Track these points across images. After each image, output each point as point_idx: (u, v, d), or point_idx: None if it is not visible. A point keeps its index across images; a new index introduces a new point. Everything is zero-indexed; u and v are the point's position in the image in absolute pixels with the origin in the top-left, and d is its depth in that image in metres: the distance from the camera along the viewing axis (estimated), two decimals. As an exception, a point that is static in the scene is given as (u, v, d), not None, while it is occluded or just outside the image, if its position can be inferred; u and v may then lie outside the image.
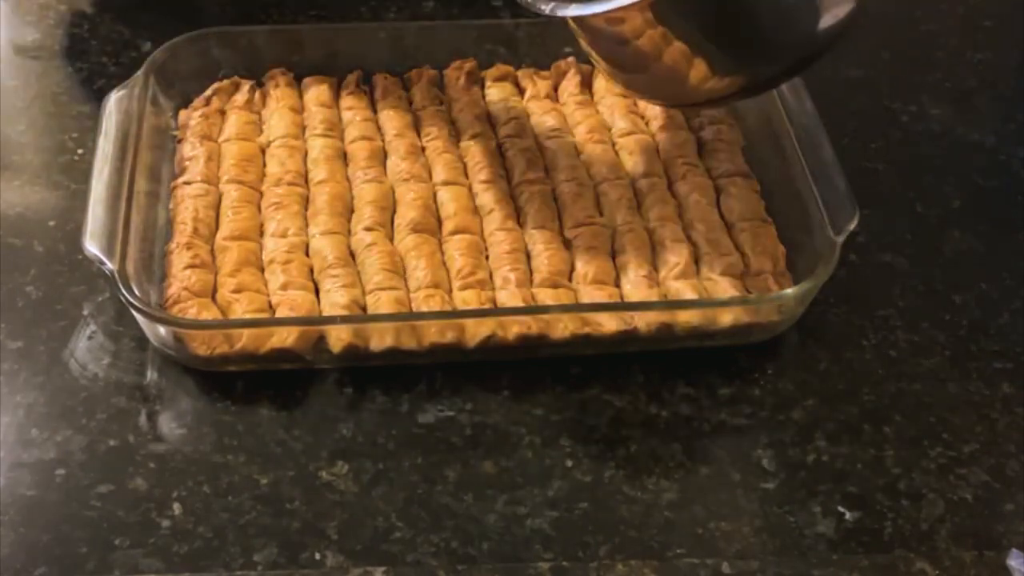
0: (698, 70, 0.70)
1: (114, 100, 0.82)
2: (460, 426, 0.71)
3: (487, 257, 0.78)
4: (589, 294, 0.76)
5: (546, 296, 0.75)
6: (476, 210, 0.81)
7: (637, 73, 0.74)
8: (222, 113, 0.87)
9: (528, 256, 0.78)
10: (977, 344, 0.77)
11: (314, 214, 0.80)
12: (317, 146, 0.85)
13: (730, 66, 0.71)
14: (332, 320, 0.73)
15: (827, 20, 0.69)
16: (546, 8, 0.70)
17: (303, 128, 0.87)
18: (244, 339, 0.71)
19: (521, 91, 0.91)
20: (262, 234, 0.79)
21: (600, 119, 0.88)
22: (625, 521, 0.67)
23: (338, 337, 0.72)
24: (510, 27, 0.94)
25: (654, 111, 0.89)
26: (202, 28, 0.89)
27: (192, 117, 0.86)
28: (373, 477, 0.68)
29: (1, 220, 0.82)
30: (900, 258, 0.82)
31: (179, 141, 0.85)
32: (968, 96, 0.96)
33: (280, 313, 0.73)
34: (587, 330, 0.73)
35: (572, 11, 0.69)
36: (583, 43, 0.75)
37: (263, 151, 0.85)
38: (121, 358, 0.73)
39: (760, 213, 0.81)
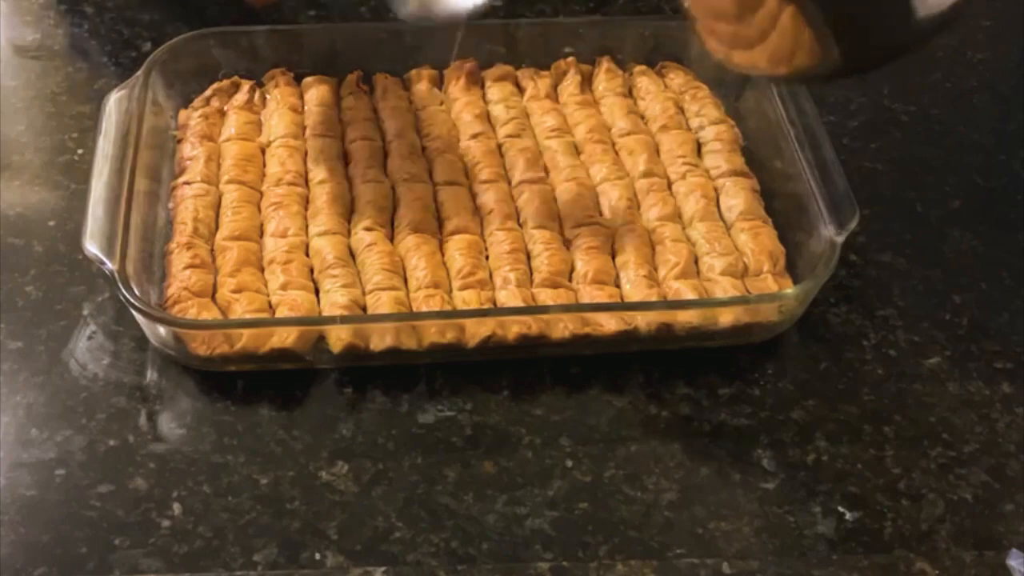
0: (803, 40, 0.69)
1: (114, 100, 0.82)
2: (460, 426, 0.71)
3: (487, 257, 0.78)
4: (589, 294, 0.76)
5: (546, 296, 0.75)
6: (476, 210, 0.81)
7: (750, 47, 0.73)
8: (222, 113, 0.87)
9: (528, 256, 0.78)
10: (977, 344, 0.77)
11: (314, 214, 0.80)
12: (317, 146, 0.85)
13: (838, 37, 0.70)
14: (332, 320, 0.73)
15: (935, 6, 0.68)
16: None
17: (303, 128, 0.87)
18: (244, 339, 0.71)
19: (521, 91, 0.91)
20: (262, 234, 0.79)
21: (600, 119, 0.88)
22: (625, 521, 0.67)
23: (338, 337, 0.72)
24: (510, 27, 0.94)
25: (654, 111, 0.89)
26: (202, 28, 0.89)
27: (192, 117, 0.86)
28: (373, 477, 0.68)
29: (1, 220, 0.82)
30: (900, 258, 0.82)
31: (179, 141, 0.85)
32: (968, 96, 0.96)
33: (280, 313, 0.73)
34: (587, 330, 0.73)
35: None
36: (699, 14, 0.74)
37: (263, 151, 0.85)
38: (121, 358, 0.73)
39: (760, 213, 0.81)
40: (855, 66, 0.73)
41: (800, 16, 0.67)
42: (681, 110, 0.89)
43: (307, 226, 0.79)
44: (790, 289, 0.75)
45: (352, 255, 0.78)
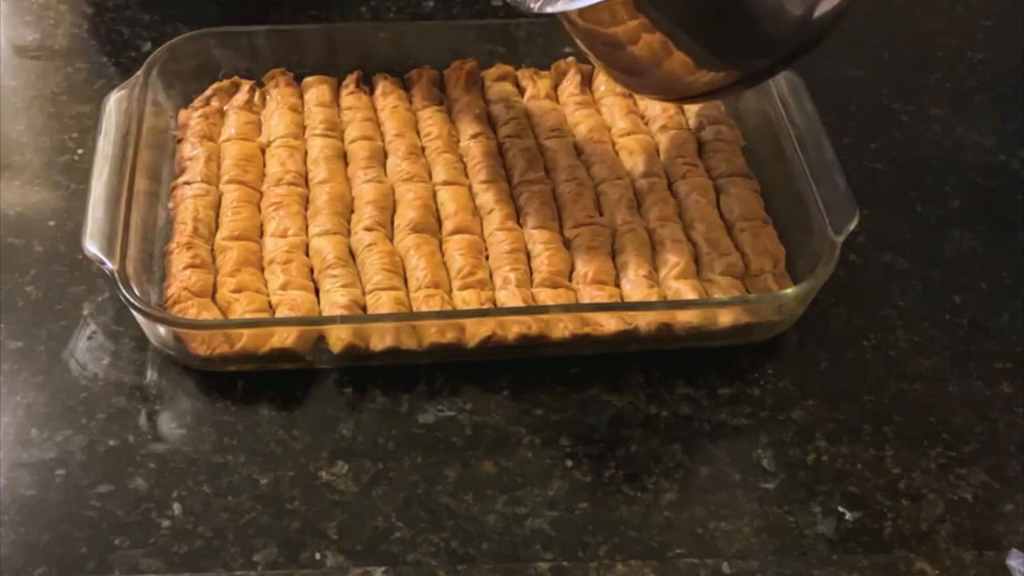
0: (686, 63, 0.70)
1: (114, 100, 0.82)
2: (460, 426, 0.71)
3: (487, 257, 0.78)
4: (589, 294, 0.76)
5: (546, 296, 0.75)
6: (476, 210, 0.81)
7: (630, 69, 0.74)
8: (222, 113, 0.87)
9: (528, 256, 0.78)
10: (977, 344, 0.77)
11: (314, 214, 0.80)
12: (317, 146, 0.85)
13: (721, 58, 0.71)
14: (332, 320, 0.73)
15: (822, 8, 0.68)
16: (534, 6, 0.70)
17: (303, 128, 0.87)
18: (244, 339, 0.71)
19: (521, 91, 0.91)
20: (262, 234, 0.79)
21: (600, 119, 0.88)
22: (625, 521, 0.67)
23: (338, 337, 0.72)
24: (510, 27, 0.94)
25: (654, 111, 0.89)
26: (202, 28, 0.89)
27: (192, 117, 0.86)
28: (373, 477, 0.68)
29: (1, 220, 0.82)
30: (900, 258, 0.82)
31: (179, 141, 0.85)
32: (968, 96, 0.96)
33: (280, 313, 0.73)
34: (587, 330, 0.73)
35: (554, 7, 0.69)
36: (578, 42, 0.75)
37: (263, 151, 0.85)
38: (121, 358, 0.73)
39: (760, 213, 0.81)
40: (749, 79, 0.74)
41: (671, 43, 0.67)
42: (681, 110, 0.89)
43: (307, 226, 0.79)
44: (790, 289, 0.75)
45: (352, 255, 0.78)
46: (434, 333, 0.72)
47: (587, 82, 0.92)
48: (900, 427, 0.72)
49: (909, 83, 0.97)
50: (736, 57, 0.71)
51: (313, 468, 0.68)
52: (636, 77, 0.75)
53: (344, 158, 0.85)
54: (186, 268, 0.75)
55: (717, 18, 0.68)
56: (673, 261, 0.77)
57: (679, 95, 0.78)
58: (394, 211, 0.81)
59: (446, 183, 0.82)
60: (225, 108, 0.87)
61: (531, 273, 0.77)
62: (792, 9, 0.68)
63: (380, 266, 0.76)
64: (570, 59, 0.92)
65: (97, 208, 0.74)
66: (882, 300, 0.79)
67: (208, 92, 0.88)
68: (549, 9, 0.70)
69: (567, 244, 0.79)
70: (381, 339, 0.72)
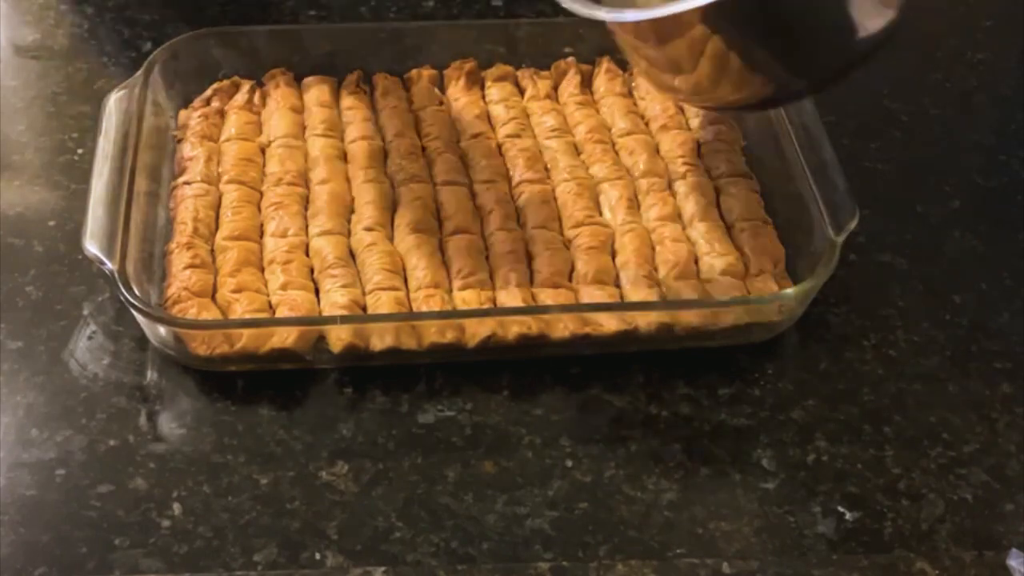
0: (732, 78, 0.70)
1: (114, 100, 0.82)
2: (460, 426, 0.71)
3: (487, 257, 0.78)
4: (589, 294, 0.76)
5: (546, 296, 0.75)
6: (476, 210, 0.81)
7: (675, 74, 0.74)
8: (222, 113, 0.87)
9: (528, 256, 0.78)
10: (977, 344, 0.77)
11: (314, 214, 0.80)
12: (317, 146, 0.85)
13: (768, 76, 0.71)
14: (332, 320, 0.73)
15: (862, 33, 0.68)
16: (601, 14, 0.70)
17: (303, 128, 0.87)
18: (244, 339, 0.71)
19: (521, 91, 0.91)
20: (262, 234, 0.79)
21: (600, 119, 0.88)
22: (625, 521, 0.67)
23: (338, 337, 0.72)
24: (510, 27, 0.94)
25: (654, 111, 0.89)
26: (202, 28, 0.89)
27: (192, 117, 0.86)
28: (373, 477, 0.68)
29: (1, 220, 0.82)
30: (900, 258, 0.82)
31: (179, 141, 0.85)
32: (968, 96, 0.96)
33: (280, 313, 0.73)
34: (587, 330, 0.73)
35: (632, 16, 0.69)
36: (623, 42, 0.75)
37: (263, 151, 0.85)
38: (121, 358, 0.73)
39: (760, 213, 0.81)
40: (790, 94, 0.74)
41: (727, 46, 0.67)
42: (681, 110, 0.89)
43: (307, 226, 0.79)
44: (790, 289, 0.75)
45: (352, 255, 0.78)
46: (434, 333, 0.72)
47: (587, 82, 0.92)
48: (900, 427, 0.72)
49: (909, 83, 0.97)
50: (780, 75, 0.71)
51: (313, 468, 0.68)
52: (670, 77, 0.75)
53: (344, 158, 0.85)
54: (186, 268, 0.75)
55: (783, 36, 0.68)
56: (673, 261, 0.78)
57: (708, 103, 0.78)
58: (394, 211, 0.81)
59: (446, 183, 0.82)
60: (225, 108, 0.88)
61: (531, 273, 0.77)
62: (838, 32, 0.68)
63: (380, 266, 0.76)
64: (570, 59, 0.92)
65: (97, 208, 0.74)
66: (882, 300, 0.79)
67: (208, 92, 0.88)
68: (623, 18, 0.70)
69: (567, 244, 0.79)
70: (381, 339, 0.72)
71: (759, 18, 0.66)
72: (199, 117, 0.86)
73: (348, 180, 0.83)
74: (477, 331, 0.72)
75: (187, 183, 0.81)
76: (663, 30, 0.69)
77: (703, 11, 0.65)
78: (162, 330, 0.71)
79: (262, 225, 0.80)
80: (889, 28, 0.69)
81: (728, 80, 0.70)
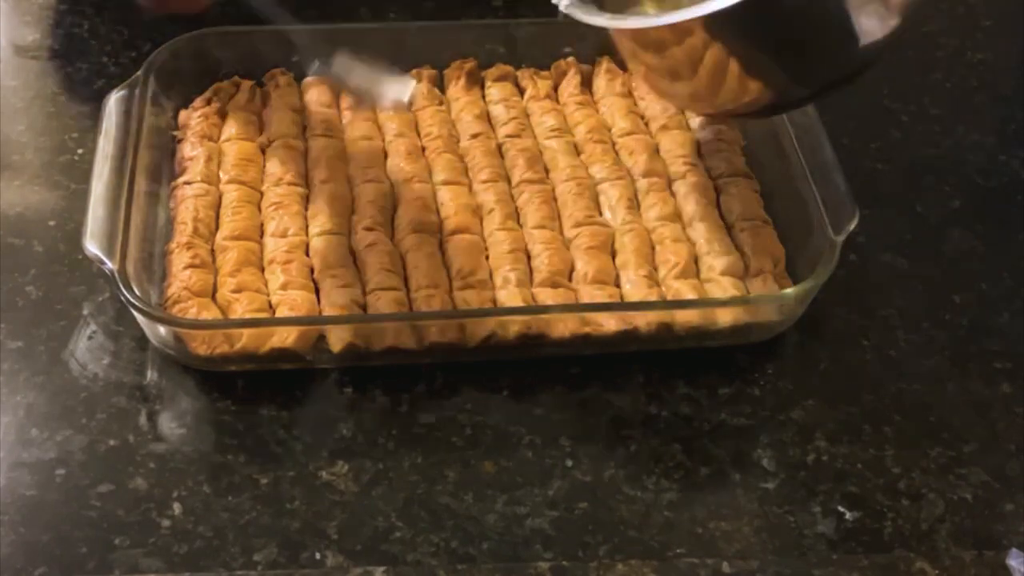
0: (732, 85, 0.70)
1: (114, 100, 0.82)
2: (460, 426, 0.71)
3: (487, 257, 0.78)
4: (589, 294, 0.76)
5: (546, 296, 0.75)
6: (476, 210, 0.81)
7: (674, 81, 0.74)
8: (222, 113, 0.87)
9: (528, 256, 0.78)
10: (977, 344, 0.77)
11: (314, 214, 0.80)
12: (317, 146, 0.85)
13: (769, 84, 0.71)
14: (332, 320, 0.73)
15: (865, 41, 0.68)
16: (603, 20, 0.70)
17: (303, 128, 0.87)
18: (244, 339, 0.71)
19: (521, 91, 0.91)
20: (262, 234, 0.79)
21: (600, 119, 0.88)
22: (625, 521, 0.67)
23: (338, 337, 0.72)
24: (510, 27, 0.94)
25: (654, 111, 0.89)
26: (202, 28, 0.89)
27: (192, 117, 0.86)
28: (373, 477, 0.68)
29: (1, 220, 0.82)
30: (900, 258, 0.82)
31: (179, 141, 0.85)
32: (968, 96, 0.96)
33: (280, 313, 0.73)
34: (587, 330, 0.73)
35: (634, 22, 0.70)
36: (623, 48, 0.75)
37: (263, 151, 0.85)
38: (121, 358, 0.73)
39: (760, 213, 0.81)
40: (791, 101, 0.74)
41: (728, 54, 0.67)
42: (681, 110, 0.89)
43: (307, 226, 0.79)
44: (790, 289, 0.75)
45: (352, 255, 0.78)
46: (434, 333, 0.72)
47: (587, 82, 0.92)
48: (900, 427, 0.72)
49: (909, 83, 0.97)
50: (781, 83, 0.71)
51: (313, 468, 0.68)
52: (670, 84, 0.75)
53: (344, 158, 0.85)
54: (186, 268, 0.75)
55: (784, 44, 0.68)
56: (673, 261, 0.78)
57: (708, 110, 0.79)
58: (394, 211, 0.81)
59: (446, 183, 0.82)
60: (225, 108, 0.87)
61: (531, 273, 0.77)
62: (851, 37, 0.68)
63: (380, 266, 0.76)
64: (570, 59, 0.92)
65: (97, 208, 0.74)
66: (882, 300, 0.79)
67: (208, 92, 0.88)
68: (624, 24, 0.70)
69: (567, 244, 0.79)
70: (381, 339, 0.72)
71: (760, 27, 0.67)
72: (199, 117, 0.86)
73: (348, 180, 0.83)
74: (477, 331, 0.72)
75: (187, 183, 0.81)
76: (664, 37, 0.70)
77: (705, 19, 0.65)
78: (162, 330, 0.71)
79: (262, 225, 0.80)
80: (894, 35, 0.69)
81: (729, 87, 0.70)
